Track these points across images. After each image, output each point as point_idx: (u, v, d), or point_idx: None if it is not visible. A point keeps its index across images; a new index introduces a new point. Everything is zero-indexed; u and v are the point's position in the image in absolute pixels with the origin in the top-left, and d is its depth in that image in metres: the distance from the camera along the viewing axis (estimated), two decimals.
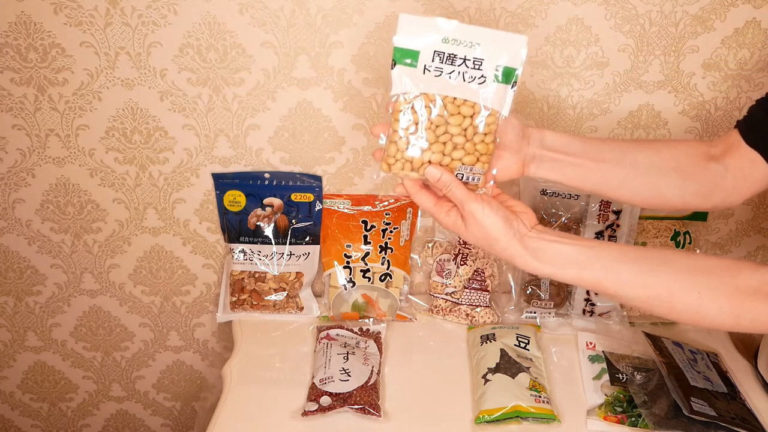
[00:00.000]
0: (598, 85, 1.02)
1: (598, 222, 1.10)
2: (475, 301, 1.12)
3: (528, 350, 1.04)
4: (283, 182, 1.09)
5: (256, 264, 1.12)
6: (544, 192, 1.10)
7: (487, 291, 1.12)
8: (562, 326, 1.12)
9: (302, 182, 1.10)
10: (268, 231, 1.12)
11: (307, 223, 1.12)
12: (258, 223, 1.11)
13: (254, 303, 1.13)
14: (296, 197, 1.10)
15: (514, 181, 1.11)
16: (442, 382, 1.02)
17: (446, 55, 0.69)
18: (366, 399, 0.96)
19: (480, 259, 1.12)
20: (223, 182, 1.09)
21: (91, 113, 1.03)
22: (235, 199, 1.10)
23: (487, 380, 0.98)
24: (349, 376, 0.98)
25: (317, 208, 1.12)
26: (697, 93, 1.03)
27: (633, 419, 0.95)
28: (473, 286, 1.12)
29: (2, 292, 1.23)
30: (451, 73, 0.70)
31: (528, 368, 1.00)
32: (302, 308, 1.14)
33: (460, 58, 0.69)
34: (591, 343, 1.08)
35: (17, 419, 1.42)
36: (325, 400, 0.96)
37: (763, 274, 0.70)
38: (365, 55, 0.98)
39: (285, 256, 1.12)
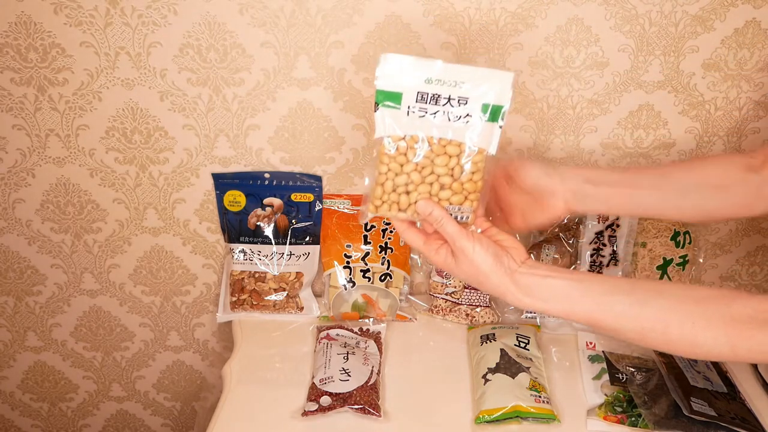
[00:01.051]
0: (598, 85, 1.02)
1: (598, 222, 1.10)
2: (475, 301, 1.12)
3: (528, 350, 1.04)
4: (283, 182, 1.09)
5: (256, 264, 1.12)
6: None
7: None
8: (562, 326, 1.12)
9: (302, 182, 1.10)
10: (268, 231, 1.12)
11: (307, 223, 1.12)
12: (258, 223, 1.11)
13: (254, 303, 1.13)
14: (296, 197, 1.10)
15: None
16: (441, 382, 1.02)
17: (430, 95, 0.68)
18: (366, 399, 0.96)
19: None
20: (223, 182, 1.09)
21: (91, 113, 1.03)
22: (235, 199, 1.10)
23: (487, 380, 0.98)
24: (349, 376, 0.98)
25: (317, 208, 1.12)
26: (697, 93, 1.03)
27: (633, 419, 0.95)
28: (473, 286, 1.12)
29: (2, 292, 1.23)
30: (435, 113, 0.68)
31: (528, 368, 0.99)
32: (302, 308, 1.14)
33: (444, 98, 0.68)
34: (591, 343, 1.08)
35: (17, 419, 1.42)
36: (325, 400, 0.96)
37: (758, 302, 0.69)
38: (365, 55, 0.98)
39: (285, 256, 1.12)
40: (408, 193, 0.71)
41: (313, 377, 1.00)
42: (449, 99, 0.68)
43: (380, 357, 1.04)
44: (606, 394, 0.99)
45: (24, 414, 1.41)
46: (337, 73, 1.00)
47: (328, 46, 0.97)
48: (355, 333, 1.08)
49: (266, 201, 1.10)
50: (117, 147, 1.06)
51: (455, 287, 1.12)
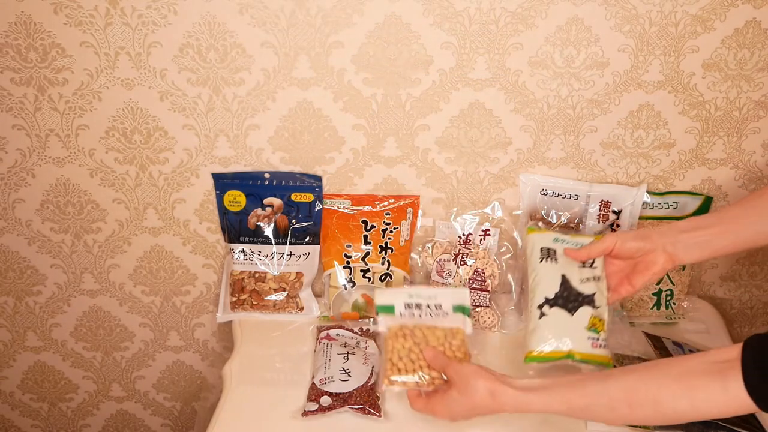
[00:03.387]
0: (598, 85, 1.02)
1: (598, 222, 1.10)
2: (475, 301, 1.12)
3: (595, 267, 0.94)
4: (283, 182, 1.09)
5: (256, 264, 1.12)
6: (544, 192, 1.10)
7: (487, 291, 1.12)
8: None
9: (302, 182, 1.10)
10: (268, 231, 1.12)
11: (307, 223, 1.12)
12: (258, 223, 1.11)
13: (254, 303, 1.13)
14: (296, 197, 1.10)
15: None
16: None
17: (414, 304, 0.93)
18: (366, 399, 0.96)
19: (480, 260, 1.12)
20: (223, 182, 1.09)
21: (91, 113, 1.03)
22: (235, 199, 1.10)
23: (542, 314, 0.92)
24: (349, 376, 0.99)
25: (317, 208, 1.12)
26: (697, 93, 1.03)
27: None
28: (473, 286, 1.12)
29: (2, 292, 1.23)
30: (420, 314, 0.92)
31: (592, 296, 0.92)
32: (302, 308, 1.14)
33: (425, 306, 0.93)
34: None
35: (17, 419, 1.42)
36: (325, 400, 0.96)
37: (709, 355, 0.74)
38: (365, 55, 0.98)
39: (285, 256, 1.12)
40: (412, 361, 0.89)
41: (313, 377, 1.00)
42: (428, 305, 0.93)
43: (380, 357, 1.04)
44: None
45: (24, 414, 1.41)
46: (337, 73, 1.00)
47: (328, 46, 0.97)
48: (355, 333, 1.08)
49: (266, 201, 1.10)
50: (117, 147, 1.06)
51: (455, 287, 1.12)
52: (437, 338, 0.92)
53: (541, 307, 0.93)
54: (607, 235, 0.92)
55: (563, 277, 0.94)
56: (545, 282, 0.94)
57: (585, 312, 0.91)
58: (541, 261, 0.96)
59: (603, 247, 0.91)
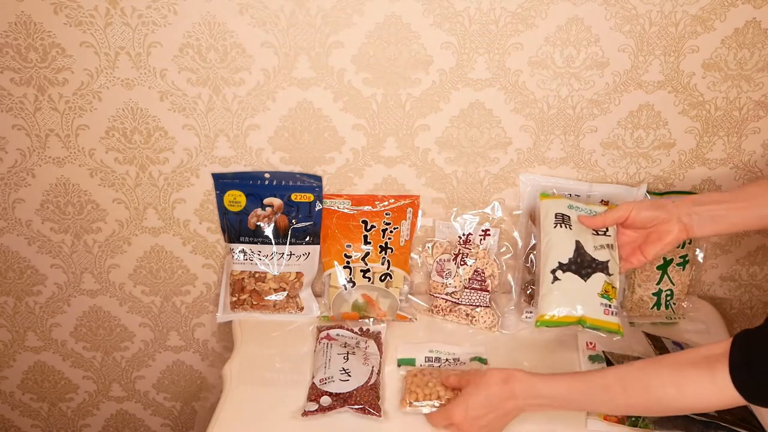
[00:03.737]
0: (598, 85, 1.02)
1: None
2: (475, 301, 1.12)
3: (609, 235, 0.94)
4: (283, 182, 1.09)
5: (256, 264, 1.12)
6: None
7: (487, 291, 1.12)
8: None
9: (302, 182, 1.10)
10: (268, 231, 1.12)
11: (307, 223, 1.12)
12: (258, 223, 1.11)
13: (254, 303, 1.13)
14: (296, 197, 1.10)
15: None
16: None
17: (433, 357, 1.04)
18: (366, 399, 0.96)
19: (480, 260, 1.12)
20: (223, 182, 1.09)
21: (91, 113, 1.03)
22: (235, 199, 1.10)
23: (556, 278, 0.92)
24: (349, 376, 0.99)
25: (317, 208, 1.12)
26: (697, 93, 1.03)
27: (633, 419, 0.95)
28: (473, 286, 1.12)
29: (2, 292, 1.23)
30: (439, 365, 1.03)
31: (606, 263, 0.92)
32: (302, 308, 1.14)
33: (444, 359, 1.04)
34: (591, 343, 1.08)
35: (17, 419, 1.42)
36: (325, 400, 0.96)
37: (700, 349, 0.77)
38: (365, 55, 0.98)
39: (285, 256, 1.12)
40: (430, 389, 0.96)
41: (313, 377, 1.00)
42: (447, 359, 1.04)
43: (380, 357, 1.04)
44: None
45: (24, 414, 1.41)
46: (337, 73, 1.00)
47: (328, 46, 0.97)
48: (355, 333, 1.08)
49: (266, 201, 1.10)
50: (117, 147, 1.06)
51: (455, 287, 1.13)
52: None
53: (554, 271, 0.92)
54: (622, 204, 0.92)
55: (577, 243, 0.93)
56: (559, 247, 0.93)
57: (598, 278, 0.91)
58: (555, 226, 0.95)
59: (618, 215, 0.91)
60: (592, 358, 1.05)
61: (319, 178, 1.10)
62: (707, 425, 0.91)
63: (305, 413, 0.95)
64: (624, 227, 0.93)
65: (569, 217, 0.96)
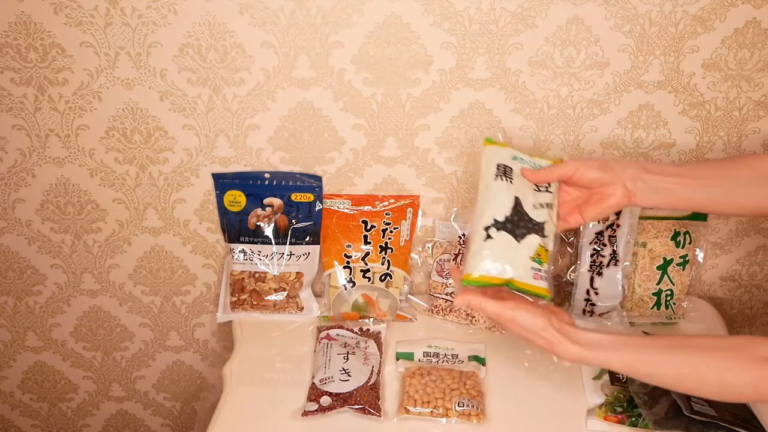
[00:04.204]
0: (598, 85, 1.02)
1: (598, 222, 1.10)
2: None
3: (550, 191, 0.88)
4: (283, 182, 1.09)
5: (256, 264, 1.12)
6: None
7: None
8: None
9: (302, 182, 1.10)
10: (268, 231, 1.12)
11: (307, 223, 1.12)
12: (258, 223, 1.11)
13: (254, 303, 1.13)
14: (296, 197, 1.10)
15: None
16: None
17: (432, 353, 1.06)
18: (366, 399, 0.96)
19: None
20: (223, 182, 1.09)
21: (91, 113, 1.03)
22: (235, 199, 1.10)
23: (489, 236, 0.84)
24: (349, 376, 0.99)
25: (317, 208, 1.12)
26: (697, 93, 1.03)
27: (633, 419, 0.95)
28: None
29: (2, 292, 1.23)
30: (437, 361, 1.05)
31: (542, 225, 0.85)
32: (302, 308, 1.14)
33: (442, 354, 1.06)
34: None
35: (17, 419, 1.42)
36: (325, 400, 0.96)
37: None
38: (365, 55, 0.98)
39: (285, 256, 1.12)
40: (428, 394, 0.98)
41: (313, 377, 1.00)
42: (445, 354, 1.06)
43: (380, 357, 1.04)
44: (606, 394, 0.99)
45: (24, 414, 1.41)
46: (337, 73, 1.00)
47: (328, 46, 0.97)
48: (355, 333, 1.08)
49: (266, 201, 1.10)
50: (117, 147, 1.06)
51: (455, 287, 1.12)
52: (453, 378, 0.99)
53: (488, 228, 0.84)
54: (569, 160, 0.88)
55: (516, 199, 0.85)
56: (496, 202, 0.85)
57: (532, 240, 0.84)
58: (496, 178, 0.86)
59: (563, 171, 0.87)
60: None
61: (319, 178, 1.10)
62: (707, 425, 0.91)
63: (305, 413, 0.95)
64: (567, 185, 0.89)
65: (511, 169, 0.87)
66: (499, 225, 0.84)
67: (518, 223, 0.85)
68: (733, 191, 0.85)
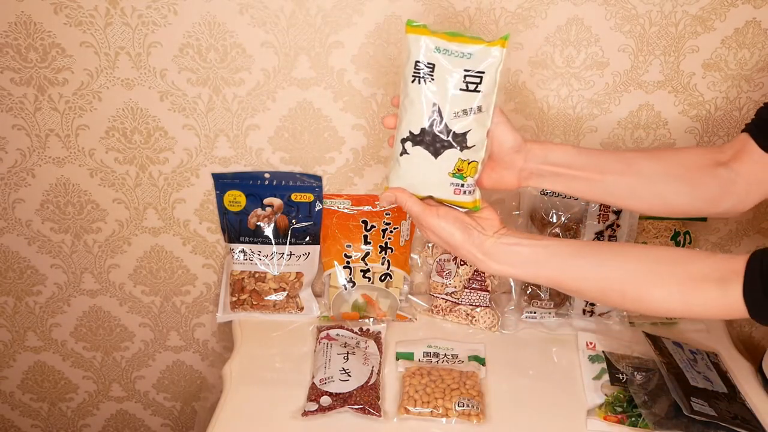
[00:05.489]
0: (598, 85, 1.02)
1: (598, 222, 1.10)
2: (475, 301, 1.12)
3: (479, 90, 0.73)
4: (283, 182, 1.09)
5: (256, 264, 1.12)
6: (544, 192, 1.10)
7: (487, 291, 1.12)
8: (562, 326, 1.12)
9: (302, 182, 1.10)
10: (268, 231, 1.12)
11: (307, 223, 1.12)
12: (258, 223, 1.11)
13: (254, 303, 1.13)
14: (296, 197, 1.10)
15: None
16: None
17: (432, 353, 1.06)
18: (366, 399, 0.96)
19: None
20: (223, 182, 1.09)
21: (91, 113, 1.03)
22: (235, 199, 1.10)
23: (405, 151, 0.77)
24: (349, 376, 0.99)
25: (317, 208, 1.12)
26: (697, 93, 1.03)
27: (633, 419, 0.95)
28: (473, 286, 1.12)
29: (2, 292, 1.23)
30: (437, 361, 1.05)
31: (464, 135, 0.75)
32: (302, 308, 1.14)
33: (442, 354, 1.07)
34: (591, 343, 1.08)
35: (17, 419, 1.42)
36: (325, 400, 0.96)
37: (714, 261, 0.72)
38: (365, 55, 0.98)
39: (285, 256, 1.12)
40: (428, 394, 0.98)
41: (313, 377, 1.00)
42: (445, 355, 1.07)
43: (380, 357, 1.04)
44: (606, 394, 0.99)
45: (24, 414, 1.41)
46: (337, 73, 1.00)
47: (328, 46, 0.97)
48: (355, 333, 1.08)
49: (266, 201, 1.10)
50: (117, 147, 1.06)
51: (455, 287, 1.13)
52: (453, 378, 0.99)
53: (404, 142, 0.77)
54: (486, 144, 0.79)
55: (435, 107, 0.75)
56: (414, 109, 0.75)
57: (451, 155, 0.76)
58: (414, 80, 0.75)
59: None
60: (592, 359, 1.06)
61: (319, 178, 1.10)
62: (707, 425, 0.91)
63: (305, 413, 0.95)
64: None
65: (433, 66, 0.74)
66: (415, 139, 0.76)
67: (436, 137, 0.76)
68: (636, 188, 0.83)
